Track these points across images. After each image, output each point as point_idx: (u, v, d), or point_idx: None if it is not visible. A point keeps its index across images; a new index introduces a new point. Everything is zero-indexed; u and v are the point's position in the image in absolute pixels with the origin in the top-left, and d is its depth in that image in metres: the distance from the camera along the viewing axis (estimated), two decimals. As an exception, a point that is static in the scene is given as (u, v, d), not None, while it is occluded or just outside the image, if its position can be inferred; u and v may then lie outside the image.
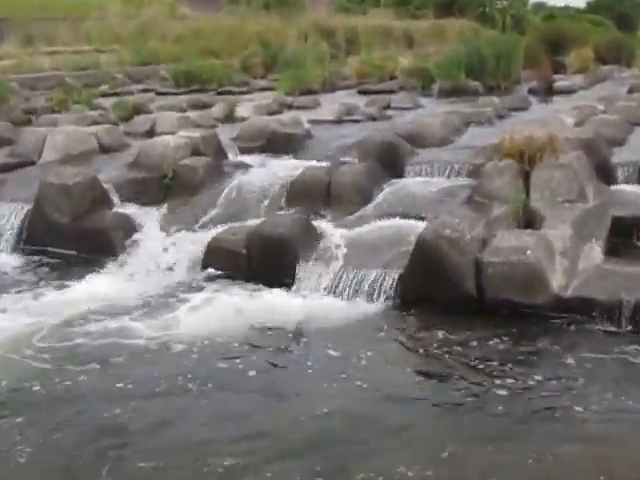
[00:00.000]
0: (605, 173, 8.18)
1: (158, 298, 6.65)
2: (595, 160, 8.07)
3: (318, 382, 5.12)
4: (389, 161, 8.91)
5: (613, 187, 8.03)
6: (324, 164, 9.21)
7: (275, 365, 5.41)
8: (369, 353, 5.52)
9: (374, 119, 12.76)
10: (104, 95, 16.95)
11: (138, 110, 13.47)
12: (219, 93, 17.84)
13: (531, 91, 16.42)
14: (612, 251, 6.70)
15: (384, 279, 6.44)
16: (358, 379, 5.13)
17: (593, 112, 11.34)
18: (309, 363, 5.41)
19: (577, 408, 4.70)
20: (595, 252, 6.52)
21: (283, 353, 5.61)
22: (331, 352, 5.56)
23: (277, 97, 15.50)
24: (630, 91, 15.02)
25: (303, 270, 6.78)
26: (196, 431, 4.58)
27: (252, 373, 5.27)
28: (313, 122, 12.41)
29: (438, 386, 5.06)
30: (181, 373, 5.27)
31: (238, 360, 5.46)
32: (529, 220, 6.98)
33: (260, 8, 32.24)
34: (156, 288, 6.92)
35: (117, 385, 5.12)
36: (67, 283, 7.06)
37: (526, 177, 7.43)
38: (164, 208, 8.63)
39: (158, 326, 6.02)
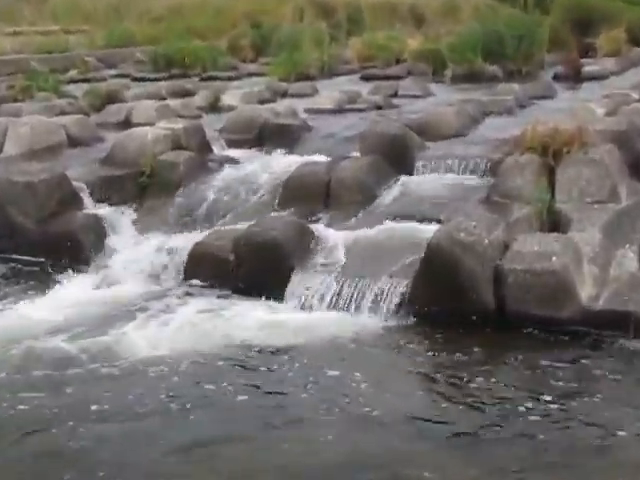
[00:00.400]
0: (640, 169, 8.17)
1: (133, 312, 6.61)
2: (629, 155, 8.05)
3: (315, 409, 5.05)
4: (396, 156, 8.89)
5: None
6: (323, 159, 9.20)
7: (267, 389, 5.36)
8: (374, 376, 5.48)
9: (379, 108, 12.75)
10: (73, 81, 16.95)
11: (112, 98, 13.45)
12: (203, 79, 17.85)
13: (556, 77, 16.42)
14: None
15: (390, 290, 6.42)
16: (362, 405, 5.08)
17: (626, 101, 11.32)
18: (306, 387, 5.36)
19: (613, 438, 4.66)
20: (629, 259, 6.51)
21: (276, 375, 5.57)
22: (330, 374, 5.51)
23: (269, 83, 15.50)
24: (668, 77, 15.02)
25: (298, 280, 6.76)
26: (168, 464, 4.50)
27: (241, 397, 5.22)
28: (310, 112, 12.40)
29: (453, 413, 5.01)
30: (157, 398, 5.21)
31: (224, 383, 5.41)
32: (554, 223, 6.97)
33: (250, -17, 32.26)
34: (131, 300, 6.89)
35: (74, 411, 5.04)
36: (28, 295, 7.03)
37: (551, 174, 7.42)
38: (141, 209, 8.63)
39: (132, 344, 5.98)
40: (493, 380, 5.37)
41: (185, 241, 7.62)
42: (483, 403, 5.08)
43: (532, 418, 4.87)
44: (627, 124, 8.80)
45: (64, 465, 4.54)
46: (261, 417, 4.99)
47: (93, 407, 5.11)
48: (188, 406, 5.11)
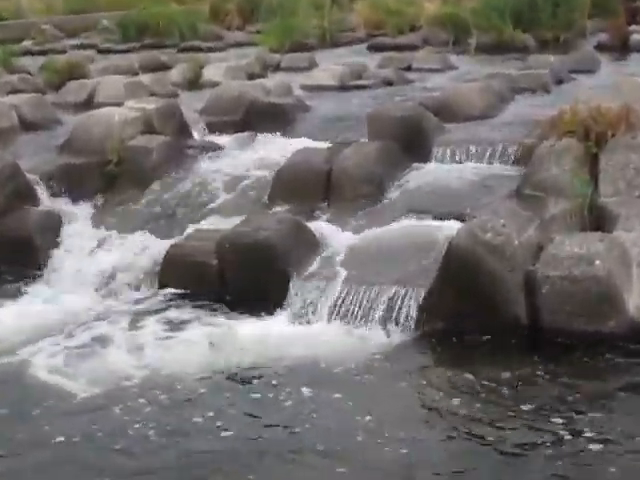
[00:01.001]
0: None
1: (96, 329, 6.61)
2: (686, 139, 8.07)
3: (320, 442, 5.03)
4: (410, 141, 8.89)
5: None
6: (323, 145, 9.21)
7: (261, 419, 5.33)
8: (387, 401, 5.47)
9: (390, 84, 12.78)
10: (27, 53, 16.98)
11: (72, 73, 13.50)
12: (181, 50, 17.90)
13: (600, 47, 16.43)
14: None
15: (403, 300, 6.42)
16: (373, 437, 5.06)
17: (683, 74, 11.34)
18: (309, 416, 5.33)
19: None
20: (686, 263, 6.51)
21: (272, 403, 5.55)
22: (332, 402, 5.49)
23: (259, 55, 15.52)
24: None
25: (294, 288, 6.76)
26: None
27: (229, 433, 5.19)
28: (307, 89, 12.43)
29: (480, 444, 5.00)
30: (127, 432, 5.19)
31: (212, 413, 5.38)
32: (597, 220, 6.97)
33: None
34: (95, 315, 6.90)
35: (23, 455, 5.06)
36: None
37: (593, 162, 7.42)
38: (107, 204, 8.64)
39: (94, 370, 5.96)
40: (526, 404, 5.35)
41: (159, 242, 7.64)
42: (512, 432, 5.05)
43: (573, 456, 4.86)
44: (684, 103, 8.80)
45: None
46: (252, 454, 4.97)
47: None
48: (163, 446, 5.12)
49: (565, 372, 5.73)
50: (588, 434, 5.01)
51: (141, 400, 5.57)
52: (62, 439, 5.16)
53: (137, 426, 5.27)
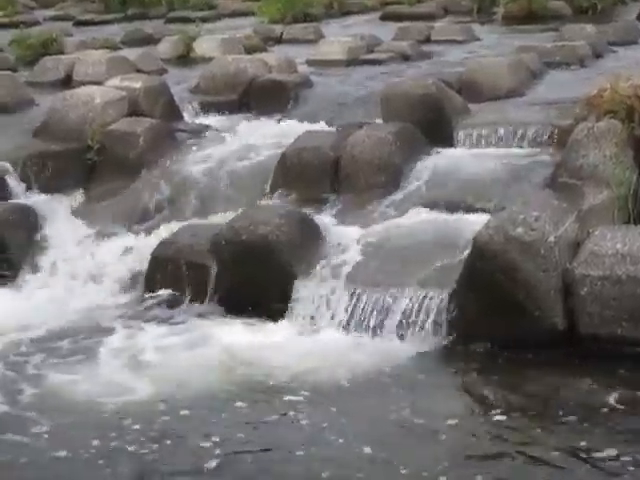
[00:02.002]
0: None
1: (75, 338, 6.62)
2: None
3: (337, 470, 5.00)
4: (429, 123, 8.88)
5: None
6: (330, 128, 9.20)
7: (261, 444, 5.28)
8: (403, 428, 5.41)
9: (406, 59, 12.75)
10: (-4, 26, 16.98)
11: (47, 48, 13.49)
12: (169, 20, 17.88)
13: (644, 15, 16.40)
14: None
15: (422, 305, 6.42)
16: (396, 463, 5.02)
17: None
18: (309, 441, 5.29)
19: None
20: None
21: (270, 423, 5.52)
22: (343, 422, 5.46)
23: (258, 26, 15.53)
24: None
25: (300, 291, 6.76)
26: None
27: (225, 458, 5.18)
28: (313, 64, 12.41)
29: (513, 460, 4.99)
30: (114, 458, 5.16)
31: (216, 438, 5.31)
32: (643, 212, 6.97)
33: None
34: (73, 322, 6.90)
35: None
36: None
37: (637, 146, 7.41)
38: (87, 197, 8.64)
39: (77, 383, 5.95)
40: (565, 421, 5.34)
41: (146, 239, 7.66)
42: (551, 451, 5.01)
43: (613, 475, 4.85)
44: None
45: None
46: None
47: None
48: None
49: (608, 384, 5.72)
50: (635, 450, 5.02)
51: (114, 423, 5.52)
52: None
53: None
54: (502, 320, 6.19)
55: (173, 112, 9.90)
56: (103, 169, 8.93)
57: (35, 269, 7.71)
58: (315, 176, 8.28)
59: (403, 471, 4.91)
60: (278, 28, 15.53)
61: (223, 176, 8.66)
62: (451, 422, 5.49)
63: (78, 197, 8.66)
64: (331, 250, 7.12)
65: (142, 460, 5.09)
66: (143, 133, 9.06)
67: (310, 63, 12.53)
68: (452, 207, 7.62)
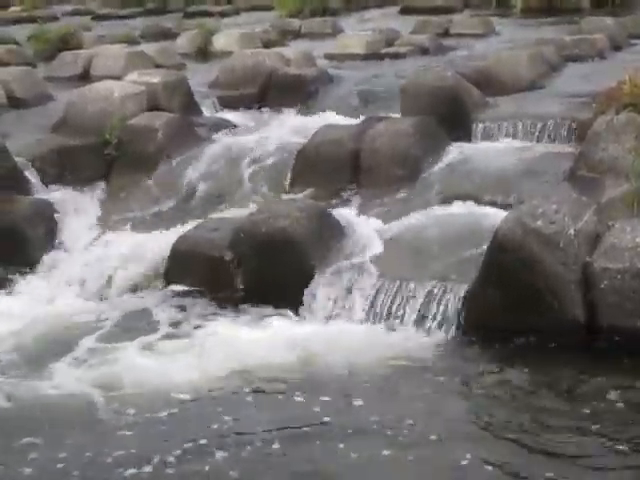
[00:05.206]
0: None
1: (95, 333, 6.62)
2: None
3: (346, 466, 5.00)
4: (449, 116, 8.89)
5: None
6: (350, 122, 9.20)
7: (287, 435, 5.27)
8: (423, 418, 5.41)
9: (425, 52, 12.76)
10: (14, 21, 17.01)
11: (66, 43, 13.51)
12: (188, 15, 17.89)
13: (663, 7, 16.37)
14: None
15: (443, 297, 6.44)
16: (421, 462, 5.01)
17: None
18: (331, 429, 5.31)
19: None
20: None
21: (294, 413, 5.53)
22: (365, 413, 5.47)
23: (276, 21, 15.53)
24: None
25: (320, 284, 6.78)
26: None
27: (251, 446, 5.19)
28: (332, 58, 12.42)
29: (533, 453, 4.99)
30: (121, 444, 5.21)
31: (227, 427, 5.41)
32: (663, 205, 6.95)
33: None
34: (94, 316, 6.92)
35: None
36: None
37: (658, 139, 7.41)
38: (106, 192, 8.66)
39: (98, 380, 5.94)
40: (586, 418, 5.32)
41: (165, 235, 7.67)
42: (576, 448, 5.02)
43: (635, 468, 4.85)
44: None
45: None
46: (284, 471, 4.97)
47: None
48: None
49: (629, 379, 5.70)
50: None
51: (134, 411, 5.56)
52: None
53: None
54: (522, 312, 6.19)
55: (192, 106, 9.93)
56: (122, 163, 8.96)
57: (55, 263, 7.73)
58: (334, 169, 8.30)
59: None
60: (296, 22, 15.53)
61: (242, 170, 8.68)
62: (468, 405, 5.62)
63: (97, 191, 8.68)
64: (350, 243, 7.13)
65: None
66: (162, 127, 9.09)
67: (328, 57, 12.55)
68: (471, 200, 7.62)
